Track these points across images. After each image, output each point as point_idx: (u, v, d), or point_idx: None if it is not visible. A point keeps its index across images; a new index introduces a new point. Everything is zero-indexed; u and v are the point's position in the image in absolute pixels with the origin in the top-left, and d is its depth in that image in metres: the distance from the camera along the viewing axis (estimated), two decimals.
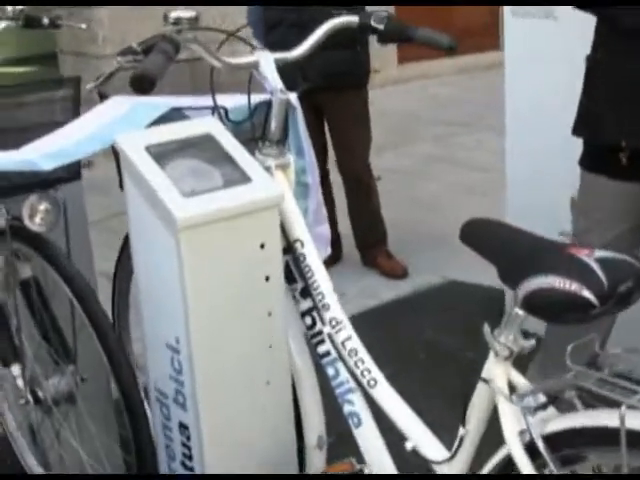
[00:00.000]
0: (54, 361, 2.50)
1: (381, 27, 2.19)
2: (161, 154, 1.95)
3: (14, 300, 2.54)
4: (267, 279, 2.00)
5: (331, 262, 4.74)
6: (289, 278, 2.09)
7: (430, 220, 5.45)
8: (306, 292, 2.08)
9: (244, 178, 1.96)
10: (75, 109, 2.40)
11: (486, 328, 1.70)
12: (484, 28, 9.21)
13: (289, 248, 2.08)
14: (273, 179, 2.04)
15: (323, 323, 2.06)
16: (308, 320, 2.09)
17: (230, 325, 1.97)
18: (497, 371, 1.70)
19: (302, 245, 2.08)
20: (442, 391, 3.35)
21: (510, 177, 3.87)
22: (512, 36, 3.64)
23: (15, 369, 2.53)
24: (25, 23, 2.66)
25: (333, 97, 4.42)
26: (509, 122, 3.79)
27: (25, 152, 2.10)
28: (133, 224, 2.03)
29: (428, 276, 4.69)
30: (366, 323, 4.16)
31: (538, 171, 3.61)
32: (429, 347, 3.90)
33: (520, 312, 1.64)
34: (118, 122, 2.08)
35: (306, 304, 2.09)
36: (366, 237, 4.84)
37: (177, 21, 1.92)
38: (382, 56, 8.05)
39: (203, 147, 2.00)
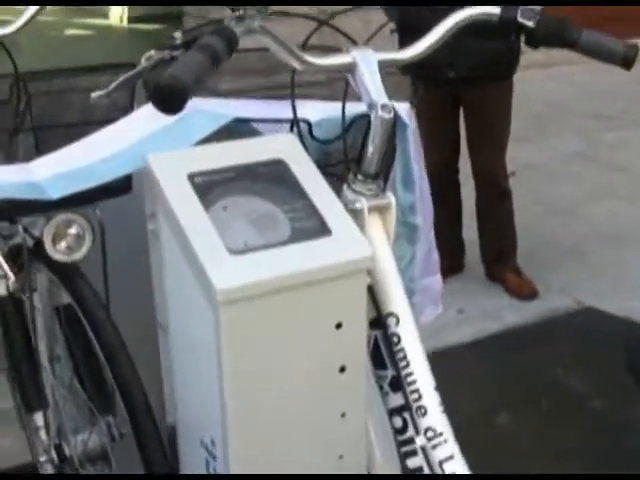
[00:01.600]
0: (89, 410, 2.01)
1: (531, 24, 1.59)
2: (208, 187, 1.40)
3: (45, 330, 2.07)
4: (342, 370, 1.43)
5: (451, 273, 4.19)
6: (376, 361, 1.53)
7: (566, 229, 4.87)
8: (397, 385, 1.51)
9: (321, 229, 1.40)
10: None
11: None
12: None
13: (379, 322, 1.51)
14: (363, 230, 1.46)
15: (417, 431, 1.48)
16: (397, 421, 1.50)
17: (285, 431, 1.42)
18: None
19: (397, 322, 1.49)
20: (558, 449, 2.89)
21: None
22: None
23: (38, 418, 2.06)
24: None
25: (477, 88, 3.85)
26: None
27: (35, 168, 1.58)
28: (168, 275, 1.49)
29: (560, 299, 4.10)
30: (483, 351, 3.74)
31: None
32: (553, 390, 3.34)
33: None
34: (159, 135, 1.53)
35: (396, 400, 1.50)
36: (494, 248, 4.27)
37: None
38: None
39: (269, 179, 1.44)
